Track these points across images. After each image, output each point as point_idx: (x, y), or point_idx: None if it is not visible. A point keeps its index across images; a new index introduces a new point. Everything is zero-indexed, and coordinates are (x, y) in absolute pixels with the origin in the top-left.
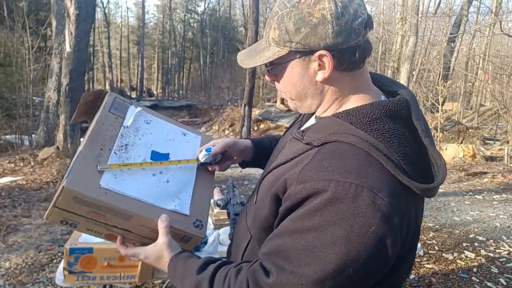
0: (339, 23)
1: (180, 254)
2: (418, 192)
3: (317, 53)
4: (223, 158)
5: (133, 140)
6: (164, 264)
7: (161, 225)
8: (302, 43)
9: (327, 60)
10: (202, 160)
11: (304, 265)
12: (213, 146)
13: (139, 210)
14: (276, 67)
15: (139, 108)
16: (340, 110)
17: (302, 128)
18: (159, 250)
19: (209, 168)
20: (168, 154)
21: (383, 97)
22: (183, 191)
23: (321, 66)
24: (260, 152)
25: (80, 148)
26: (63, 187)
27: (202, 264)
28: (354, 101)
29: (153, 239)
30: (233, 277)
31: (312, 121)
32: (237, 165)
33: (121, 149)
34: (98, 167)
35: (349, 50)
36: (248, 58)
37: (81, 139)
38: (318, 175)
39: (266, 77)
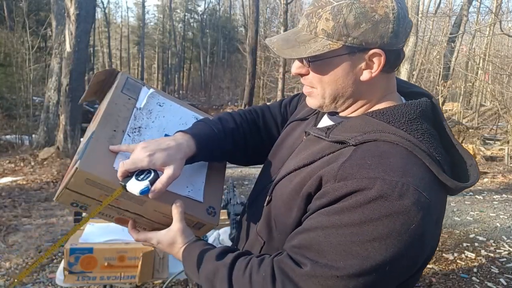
0: (398, 24)
1: (196, 241)
2: (455, 190)
3: (371, 51)
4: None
5: (146, 122)
6: (177, 250)
7: (176, 211)
8: (360, 39)
9: (378, 59)
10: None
11: (340, 260)
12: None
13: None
14: (321, 61)
15: (151, 90)
16: (371, 110)
17: (320, 126)
18: (173, 236)
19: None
20: None
21: (403, 99)
22: (196, 177)
23: (368, 65)
24: (207, 147)
25: (92, 128)
26: (76, 168)
27: (221, 252)
28: (385, 103)
29: (165, 224)
30: (255, 265)
31: (327, 119)
32: (234, 165)
33: (135, 131)
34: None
35: (396, 52)
36: (289, 48)
37: (91, 122)
38: (361, 173)
39: (296, 70)
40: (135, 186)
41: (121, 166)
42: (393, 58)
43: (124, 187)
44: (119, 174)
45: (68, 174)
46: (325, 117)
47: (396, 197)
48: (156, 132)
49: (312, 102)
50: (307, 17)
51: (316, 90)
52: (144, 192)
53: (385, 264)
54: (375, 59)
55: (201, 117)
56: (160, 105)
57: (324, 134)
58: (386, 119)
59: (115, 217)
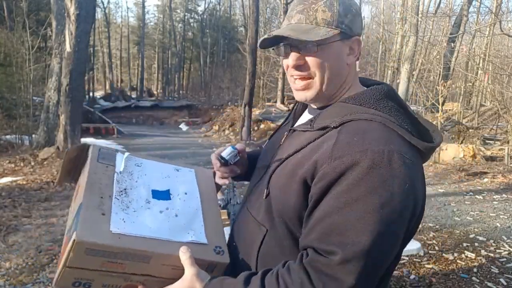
0: (361, 19)
1: (213, 279)
2: (425, 152)
3: (354, 38)
4: (236, 162)
5: (130, 183)
6: None
7: (184, 257)
8: (349, 26)
9: (358, 46)
10: (227, 158)
11: (362, 234)
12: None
13: (157, 248)
14: (326, 45)
15: (127, 154)
16: (346, 96)
17: (300, 123)
18: (190, 282)
19: (227, 172)
20: (169, 190)
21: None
22: (194, 221)
23: (351, 51)
24: (253, 166)
25: (78, 202)
26: (74, 241)
27: (245, 279)
28: (354, 88)
29: (176, 278)
30: (286, 276)
31: (306, 115)
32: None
33: (121, 194)
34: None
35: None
36: (301, 34)
37: (73, 200)
38: (352, 148)
39: (295, 61)
40: None
41: None
42: (360, 46)
43: None
44: None
45: (65, 252)
46: (306, 113)
47: (386, 163)
48: (142, 190)
49: (308, 94)
50: (302, 13)
51: (314, 79)
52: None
53: (396, 220)
54: (355, 46)
55: (181, 168)
56: (138, 166)
57: (308, 126)
58: (358, 102)
59: (122, 285)
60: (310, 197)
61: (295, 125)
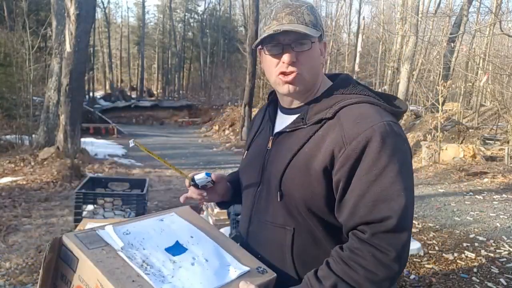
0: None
1: None
2: (399, 117)
3: (324, 41)
4: (211, 188)
5: (141, 254)
6: None
7: None
8: (323, 30)
9: (326, 48)
10: (197, 181)
11: (399, 193)
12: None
13: None
14: (314, 44)
15: (109, 227)
16: (321, 90)
17: (283, 126)
18: None
19: (195, 193)
20: (177, 241)
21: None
22: (223, 257)
23: (321, 52)
24: (236, 192)
25: None
26: None
27: (313, 279)
28: (325, 83)
29: None
30: (356, 257)
31: (284, 117)
32: (229, 165)
33: (146, 267)
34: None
35: None
36: (303, 30)
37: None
38: (361, 128)
39: (291, 58)
40: None
41: None
42: None
43: None
44: None
45: None
46: (280, 116)
47: (390, 132)
48: (156, 253)
49: (296, 86)
50: (291, 14)
51: (302, 74)
52: None
53: (411, 172)
54: (323, 48)
55: (162, 216)
56: (127, 234)
57: (301, 123)
58: (339, 92)
59: None
60: (337, 182)
61: (280, 128)
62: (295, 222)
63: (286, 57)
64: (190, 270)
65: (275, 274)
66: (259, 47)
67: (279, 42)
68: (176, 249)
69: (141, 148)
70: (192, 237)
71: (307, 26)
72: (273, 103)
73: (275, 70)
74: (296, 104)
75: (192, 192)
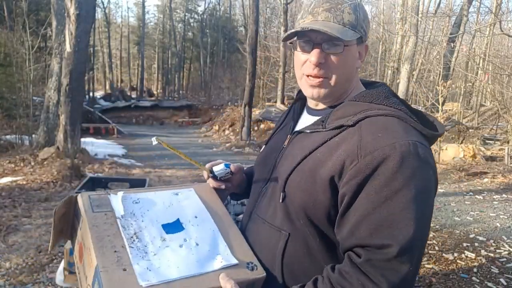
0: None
1: None
2: (432, 139)
3: (365, 43)
4: (228, 179)
5: (137, 225)
6: None
7: (229, 284)
8: (366, 32)
9: (366, 51)
10: (216, 173)
11: (409, 222)
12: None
13: (195, 287)
14: (349, 47)
15: (120, 193)
16: (350, 96)
17: (303, 126)
18: None
19: (214, 185)
20: (178, 219)
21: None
22: (217, 244)
23: (360, 55)
24: (249, 186)
25: (91, 263)
26: None
27: None
28: (358, 89)
29: None
30: (344, 282)
31: (307, 117)
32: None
33: (133, 240)
34: (153, 140)
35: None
36: (335, 32)
37: (79, 260)
38: (380, 143)
39: (319, 59)
40: None
41: None
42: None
43: None
44: None
45: None
46: (305, 115)
47: (414, 154)
48: (152, 228)
49: (322, 91)
50: (329, 11)
51: (329, 78)
52: None
53: (430, 202)
54: (363, 51)
55: (180, 190)
56: (136, 203)
57: (320, 126)
58: (368, 100)
59: None
60: (343, 195)
61: (300, 128)
62: (292, 227)
63: (313, 57)
64: (175, 251)
65: (265, 274)
66: (291, 40)
67: (310, 39)
68: (173, 227)
69: (164, 145)
70: (196, 217)
71: (344, 26)
72: (300, 101)
73: (302, 69)
74: (321, 106)
75: (211, 184)
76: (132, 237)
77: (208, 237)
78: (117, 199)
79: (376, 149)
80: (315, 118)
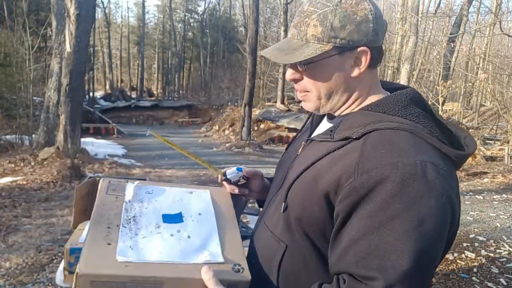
0: (377, 23)
1: None
2: (458, 160)
3: (358, 49)
4: (244, 184)
5: (139, 210)
6: None
7: (207, 277)
8: (346, 39)
9: (365, 56)
10: (228, 176)
11: (403, 255)
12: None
13: (169, 273)
14: (315, 64)
15: (137, 182)
16: (363, 105)
17: (319, 132)
18: None
19: (228, 188)
20: (181, 212)
21: (388, 93)
22: (209, 241)
23: (356, 62)
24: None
25: (85, 234)
26: (77, 274)
27: None
28: (375, 96)
29: None
30: None
31: (325, 123)
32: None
33: (130, 222)
34: (147, 132)
35: (378, 49)
36: (285, 55)
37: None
38: (380, 161)
39: (290, 76)
40: None
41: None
42: (376, 54)
43: None
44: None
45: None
46: (324, 121)
47: (421, 176)
48: (152, 215)
49: (308, 105)
50: (295, 27)
51: (311, 93)
52: None
53: (435, 236)
54: (362, 56)
55: (195, 190)
56: (149, 193)
57: (328, 136)
58: (381, 109)
59: None
60: (337, 214)
61: (313, 135)
62: (291, 239)
63: (288, 72)
64: (164, 239)
65: (250, 278)
66: None
67: None
68: (173, 218)
69: (158, 138)
70: (200, 214)
71: (308, 42)
72: None
73: None
74: (338, 112)
75: (226, 187)
76: (130, 219)
77: (203, 233)
78: (131, 187)
79: (374, 168)
80: (331, 125)
